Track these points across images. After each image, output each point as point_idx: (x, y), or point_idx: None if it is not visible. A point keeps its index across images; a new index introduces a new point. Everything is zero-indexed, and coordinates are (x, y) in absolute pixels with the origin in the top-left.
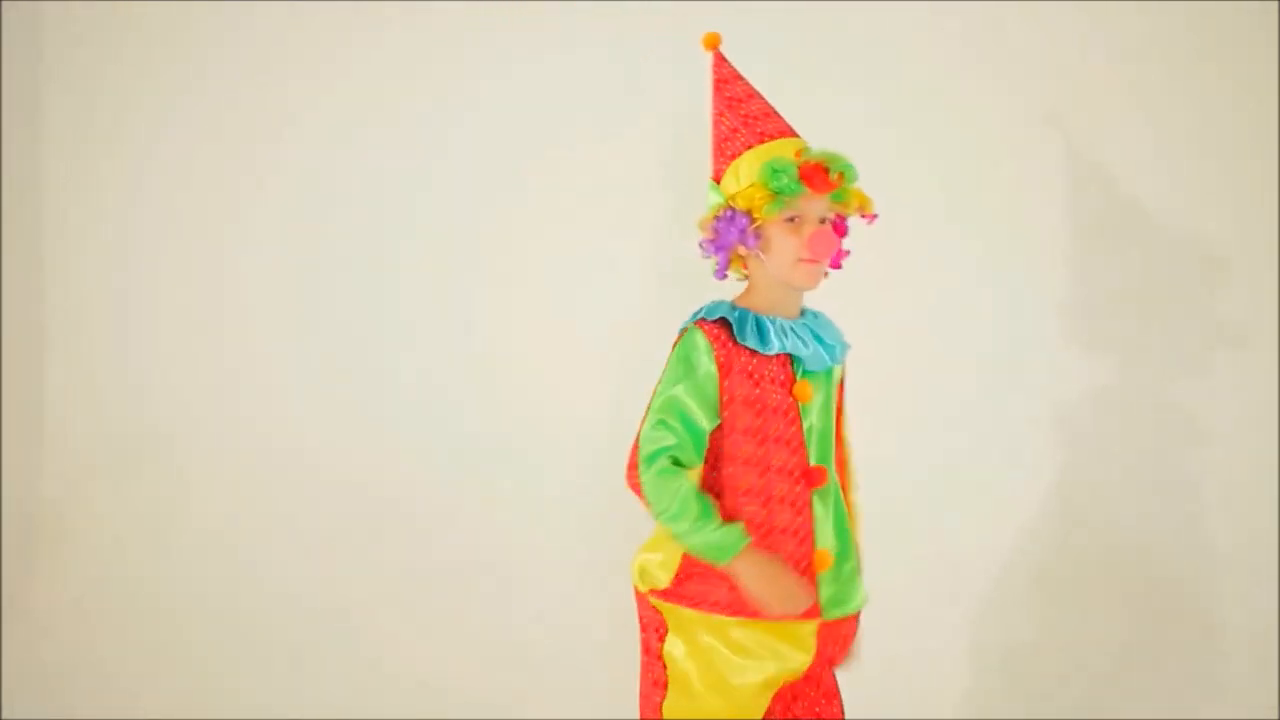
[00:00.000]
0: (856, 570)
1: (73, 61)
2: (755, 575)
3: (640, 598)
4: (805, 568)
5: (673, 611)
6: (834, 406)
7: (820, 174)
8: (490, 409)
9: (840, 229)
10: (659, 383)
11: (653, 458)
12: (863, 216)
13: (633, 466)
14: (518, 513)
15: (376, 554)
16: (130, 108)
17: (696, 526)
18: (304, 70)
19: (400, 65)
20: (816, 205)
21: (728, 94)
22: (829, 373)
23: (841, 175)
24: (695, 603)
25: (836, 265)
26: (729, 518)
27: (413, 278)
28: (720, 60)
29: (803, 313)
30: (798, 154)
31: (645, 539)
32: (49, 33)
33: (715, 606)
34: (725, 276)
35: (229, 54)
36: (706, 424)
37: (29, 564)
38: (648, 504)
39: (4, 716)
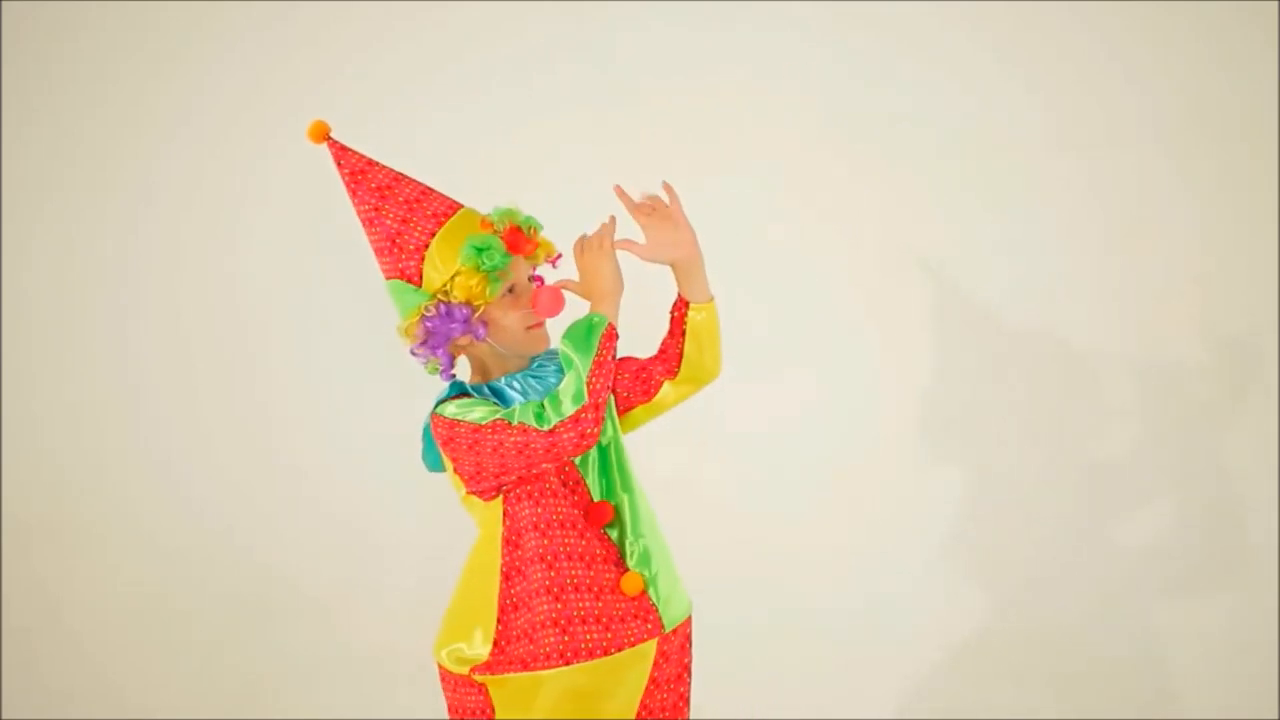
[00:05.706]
0: (673, 578)
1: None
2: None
3: (457, 682)
4: (618, 592)
5: (502, 684)
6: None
7: (519, 236)
8: None
9: (541, 281)
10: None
11: (532, 414)
12: (550, 262)
13: (551, 434)
14: None
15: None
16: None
17: (583, 364)
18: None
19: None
20: (523, 268)
21: (372, 183)
22: None
23: (534, 230)
24: (528, 664)
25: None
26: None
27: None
28: (341, 150)
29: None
30: (484, 224)
31: (441, 619)
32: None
33: (549, 660)
34: (454, 374)
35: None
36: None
37: (29, 564)
38: (572, 403)
39: (4, 717)
